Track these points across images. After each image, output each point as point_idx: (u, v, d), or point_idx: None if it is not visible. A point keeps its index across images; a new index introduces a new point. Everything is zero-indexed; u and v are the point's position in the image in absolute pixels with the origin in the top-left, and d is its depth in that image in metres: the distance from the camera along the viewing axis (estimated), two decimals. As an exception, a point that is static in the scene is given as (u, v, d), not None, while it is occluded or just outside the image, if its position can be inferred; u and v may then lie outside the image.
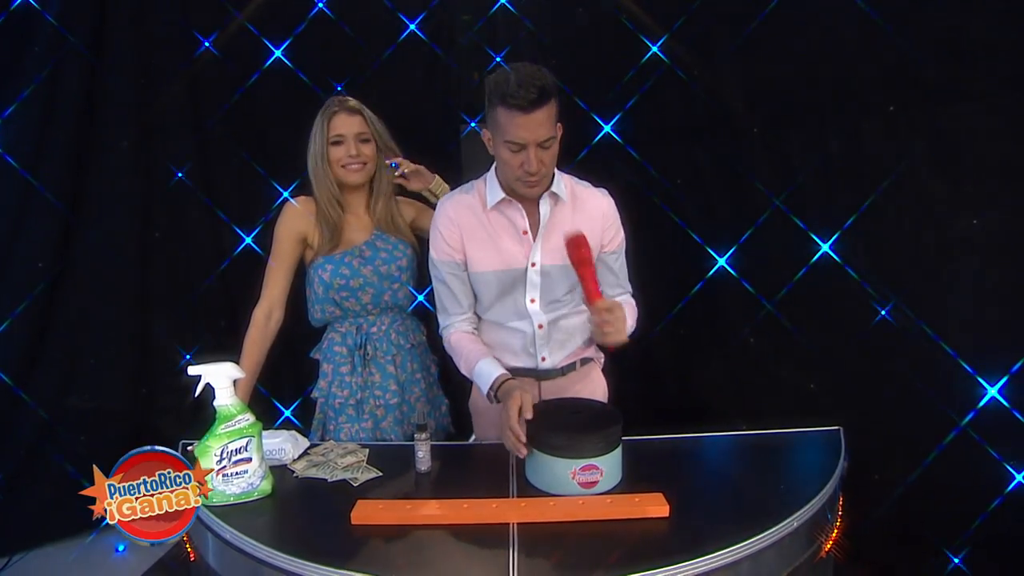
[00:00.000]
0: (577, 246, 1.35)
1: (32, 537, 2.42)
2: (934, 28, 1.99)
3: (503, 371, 1.44)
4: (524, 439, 1.31)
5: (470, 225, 1.50)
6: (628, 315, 1.50)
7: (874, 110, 2.11)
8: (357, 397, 1.74)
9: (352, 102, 1.74)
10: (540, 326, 1.53)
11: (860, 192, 2.14)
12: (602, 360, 1.75)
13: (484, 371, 1.45)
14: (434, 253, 1.55)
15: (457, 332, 1.57)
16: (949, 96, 2.01)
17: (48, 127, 2.37)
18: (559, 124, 1.42)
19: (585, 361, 1.64)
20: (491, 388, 1.43)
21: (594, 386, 1.68)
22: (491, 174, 1.51)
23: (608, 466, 1.31)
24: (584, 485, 1.29)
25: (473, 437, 1.79)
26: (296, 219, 1.73)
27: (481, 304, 1.57)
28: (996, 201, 1.99)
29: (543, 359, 1.57)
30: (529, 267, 1.50)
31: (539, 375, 1.59)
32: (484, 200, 1.50)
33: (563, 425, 1.34)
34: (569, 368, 1.61)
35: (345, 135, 1.70)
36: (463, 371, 1.55)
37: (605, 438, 1.31)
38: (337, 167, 1.71)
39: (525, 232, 1.49)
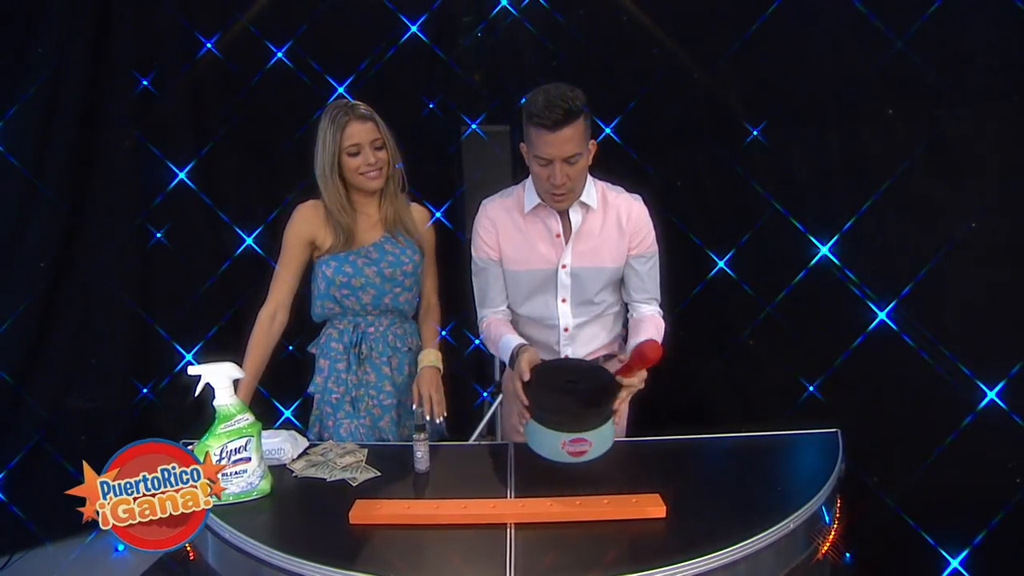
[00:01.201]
0: (645, 356, 1.31)
1: (32, 536, 2.43)
2: (933, 32, 2.00)
3: (521, 341, 1.54)
4: (527, 411, 1.38)
5: (507, 227, 1.62)
6: (656, 332, 1.59)
7: (872, 113, 2.12)
8: (352, 395, 1.74)
9: (362, 108, 1.71)
10: (566, 328, 1.64)
11: (859, 195, 2.15)
12: (624, 358, 1.81)
13: (505, 343, 1.56)
14: (474, 252, 1.67)
15: (491, 319, 1.68)
16: (947, 99, 2.02)
17: (51, 127, 2.38)
18: (592, 143, 1.51)
19: (608, 357, 1.73)
20: (510, 358, 1.53)
21: None
22: (530, 181, 1.61)
23: (598, 438, 1.34)
24: (574, 454, 1.33)
25: (480, 428, 1.85)
26: (305, 223, 1.73)
27: (514, 301, 1.68)
28: (995, 204, 1.99)
29: (566, 357, 1.67)
30: (560, 268, 1.61)
31: None
32: (522, 204, 1.61)
33: (557, 397, 1.37)
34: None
35: (362, 143, 1.67)
36: (491, 349, 1.65)
37: (598, 414, 1.34)
38: (355, 175, 1.70)
39: (558, 235, 1.60)
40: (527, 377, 1.40)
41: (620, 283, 1.69)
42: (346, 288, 1.72)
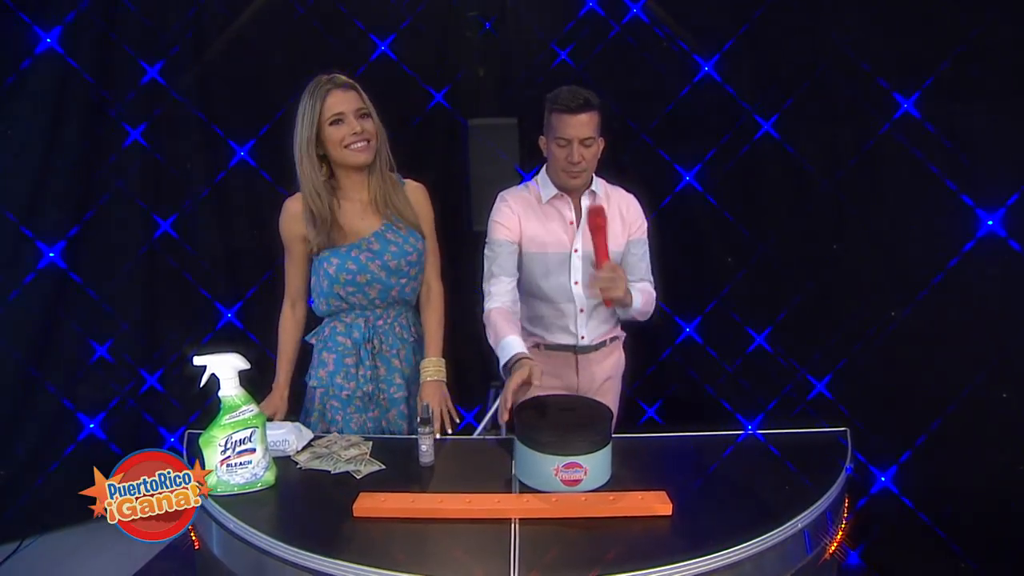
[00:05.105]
0: (595, 215, 1.63)
1: (42, 522, 2.46)
2: (947, 26, 1.97)
3: (523, 350, 1.57)
4: (509, 407, 1.44)
5: (526, 213, 1.76)
6: (641, 299, 1.72)
7: (887, 108, 2.09)
8: (364, 390, 1.70)
9: (342, 77, 1.62)
10: (581, 309, 1.76)
11: (871, 193, 2.13)
12: (623, 337, 1.92)
13: (507, 345, 1.59)
14: (490, 235, 1.76)
15: (499, 307, 1.72)
16: (964, 94, 1.99)
17: (58, 123, 2.39)
18: (602, 138, 1.68)
19: (614, 339, 1.87)
20: (508, 362, 1.56)
21: (620, 359, 1.91)
22: (542, 176, 1.78)
23: (593, 465, 1.29)
24: (567, 483, 1.28)
25: (486, 421, 1.86)
26: (291, 220, 1.67)
27: (533, 282, 1.77)
28: (1009, 200, 1.96)
29: (582, 337, 1.78)
30: (572, 252, 1.74)
31: (577, 350, 1.80)
32: (539, 196, 1.77)
33: (550, 422, 1.34)
34: (601, 345, 1.83)
35: (345, 112, 1.58)
36: (491, 342, 1.68)
37: (589, 437, 1.30)
38: (340, 149, 1.60)
39: (571, 222, 1.74)
40: (539, 381, 1.46)
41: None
42: (352, 285, 1.66)
